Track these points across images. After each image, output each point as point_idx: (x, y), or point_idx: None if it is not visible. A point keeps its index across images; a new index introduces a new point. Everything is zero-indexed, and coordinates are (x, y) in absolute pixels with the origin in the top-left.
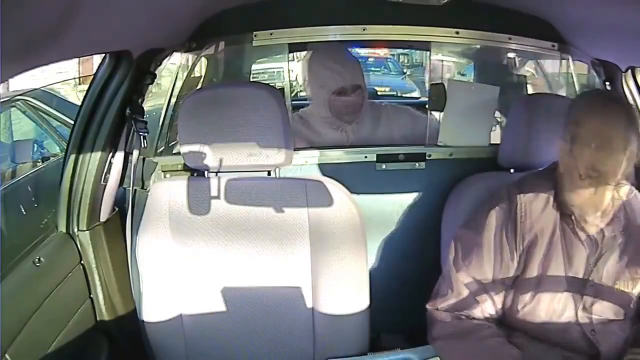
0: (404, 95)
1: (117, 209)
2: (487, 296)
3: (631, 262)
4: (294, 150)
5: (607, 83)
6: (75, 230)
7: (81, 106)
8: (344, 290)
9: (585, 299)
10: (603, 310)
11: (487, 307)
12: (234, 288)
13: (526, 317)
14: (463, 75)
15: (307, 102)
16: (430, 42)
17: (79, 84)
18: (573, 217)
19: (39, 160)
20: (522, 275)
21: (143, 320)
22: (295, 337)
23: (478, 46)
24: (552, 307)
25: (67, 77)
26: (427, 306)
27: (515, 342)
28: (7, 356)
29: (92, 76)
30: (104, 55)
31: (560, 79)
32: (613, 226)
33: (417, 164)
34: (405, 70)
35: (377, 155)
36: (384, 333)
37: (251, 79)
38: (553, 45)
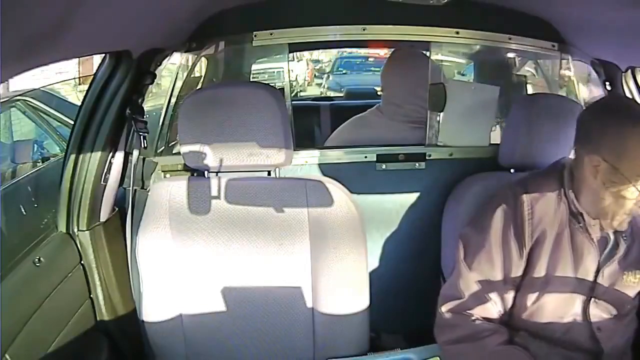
0: None
1: (117, 209)
2: (498, 295)
3: (636, 263)
4: (294, 150)
5: (607, 83)
6: (75, 230)
7: (81, 106)
8: (344, 290)
9: (591, 298)
10: (608, 310)
11: (498, 306)
12: (234, 288)
13: (531, 316)
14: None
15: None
16: (430, 42)
17: (79, 84)
18: (583, 217)
19: (39, 160)
20: (529, 275)
21: (143, 320)
22: (295, 337)
23: (478, 46)
24: (559, 307)
25: (67, 77)
26: (442, 309)
27: (518, 342)
28: (7, 356)
29: (92, 76)
30: (104, 55)
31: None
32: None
33: (417, 164)
34: None
35: (377, 155)
36: (384, 333)
37: (251, 79)
38: (553, 45)
